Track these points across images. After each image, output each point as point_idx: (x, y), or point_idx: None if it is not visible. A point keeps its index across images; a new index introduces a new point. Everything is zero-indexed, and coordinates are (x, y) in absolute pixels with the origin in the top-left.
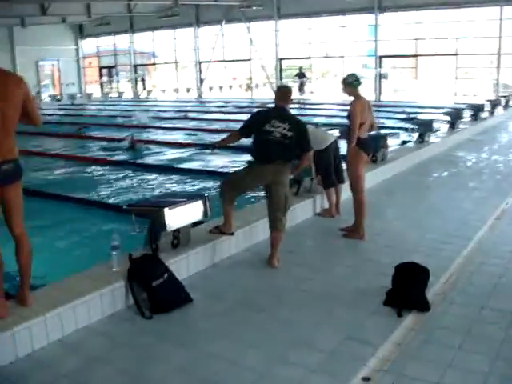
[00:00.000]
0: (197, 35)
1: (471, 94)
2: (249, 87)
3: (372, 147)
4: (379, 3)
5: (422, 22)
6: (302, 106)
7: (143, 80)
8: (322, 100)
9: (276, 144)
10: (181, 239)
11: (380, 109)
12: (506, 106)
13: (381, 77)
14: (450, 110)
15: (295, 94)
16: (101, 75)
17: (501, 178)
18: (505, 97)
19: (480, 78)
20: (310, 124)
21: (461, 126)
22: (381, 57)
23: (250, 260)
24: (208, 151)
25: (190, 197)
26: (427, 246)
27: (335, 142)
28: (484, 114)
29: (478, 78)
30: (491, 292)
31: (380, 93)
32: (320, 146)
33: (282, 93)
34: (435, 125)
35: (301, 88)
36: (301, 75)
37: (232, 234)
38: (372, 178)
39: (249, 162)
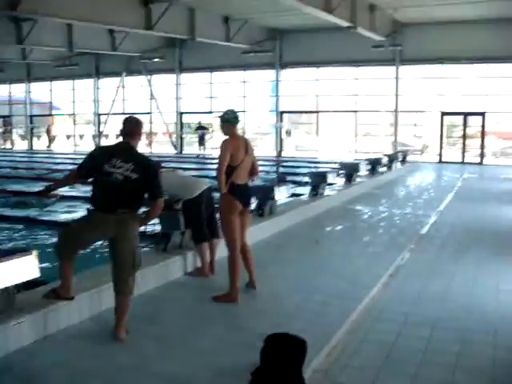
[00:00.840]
0: (96, 86)
1: (371, 151)
2: (149, 141)
3: (247, 195)
4: (280, 59)
5: (322, 79)
6: (202, 161)
7: (48, 132)
8: None
9: (118, 188)
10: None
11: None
12: (404, 161)
13: (281, 132)
14: (347, 163)
15: (195, 149)
16: None
17: (397, 232)
18: (402, 152)
19: (380, 135)
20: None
21: (358, 179)
22: (282, 112)
23: (94, 331)
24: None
25: (11, 252)
26: (311, 309)
27: (208, 190)
28: (382, 169)
29: (378, 136)
30: (381, 366)
31: (281, 149)
32: (190, 194)
33: (128, 125)
34: (330, 178)
35: (201, 142)
36: (201, 128)
37: (72, 298)
38: (258, 232)
39: (88, 211)
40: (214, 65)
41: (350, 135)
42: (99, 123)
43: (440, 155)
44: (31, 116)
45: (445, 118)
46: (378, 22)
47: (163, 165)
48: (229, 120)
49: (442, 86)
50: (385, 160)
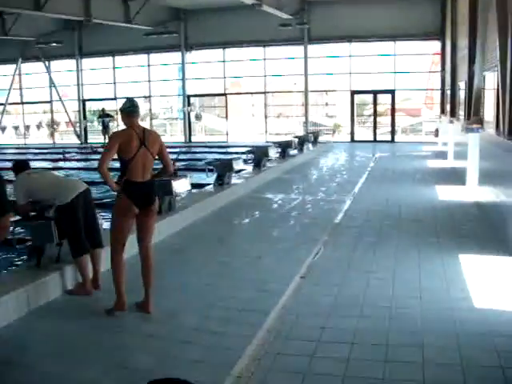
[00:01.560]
0: None
1: (283, 133)
2: (51, 131)
3: (147, 195)
4: (185, 41)
5: (230, 61)
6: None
7: None
8: None
9: None
10: None
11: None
12: (315, 143)
13: (189, 117)
14: (255, 147)
15: (101, 138)
16: None
17: (309, 223)
18: (313, 133)
19: (293, 116)
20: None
21: (268, 164)
22: (189, 96)
23: None
24: None
25: None
26: (210, 330)
27: (86, 193)
28: (293, 152)
29: (291, 117)
30: None
31: (190, 134)
32: (63, 198)
33: None
34: (237, 165)
35: (105, 130)
36: (103, 116)
37: None
38: (155, 232)
39: None
40: (116, 48)
41: (261, 117)
42: None
43: (352, 134)
44: None
45: (355, 96)
46: None
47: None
48: (125, 110)
49: (352, 65)
50: (296, 142)
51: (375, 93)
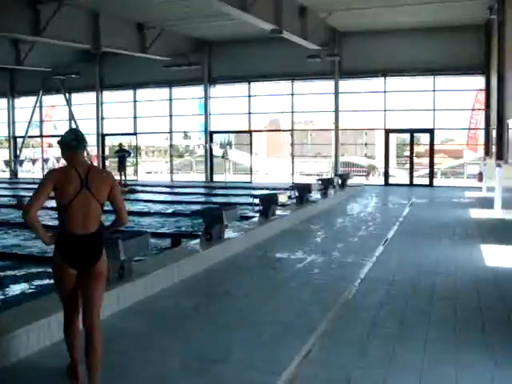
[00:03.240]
0: (12, 106)
1: (315, 174)
2: None
3: (83, 252)
4: (209, 74)
5: (255, 95)
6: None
7: None
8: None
9: None
10: None
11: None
12: (343, 186)
13: (211, 155)
14: (262, 194)
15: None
16: None
17: (310, 298)
18: (341, 175)
19: (332, 156)
20: None
21: (278, 212)
22: (212, 132)
23: None
24: None
25: None
26: None
27: None
28: (316, 197)
29: (329, 157)
30: None
31: (212, 172)
32: None
33: None
34: (229, 217)
35: (120, 166)
36: (120, 151)
37: None
38: (114, 300)
39: None
40: (136, 81)
41: (298, 156)
42: (15, 147)
43: (386, 177)
44: None
45: (394, 136)
46: (310, 27)
47: None
48: (69, 144)
49: (387, 102)
50: (316, 185)
51: (412, 132)
